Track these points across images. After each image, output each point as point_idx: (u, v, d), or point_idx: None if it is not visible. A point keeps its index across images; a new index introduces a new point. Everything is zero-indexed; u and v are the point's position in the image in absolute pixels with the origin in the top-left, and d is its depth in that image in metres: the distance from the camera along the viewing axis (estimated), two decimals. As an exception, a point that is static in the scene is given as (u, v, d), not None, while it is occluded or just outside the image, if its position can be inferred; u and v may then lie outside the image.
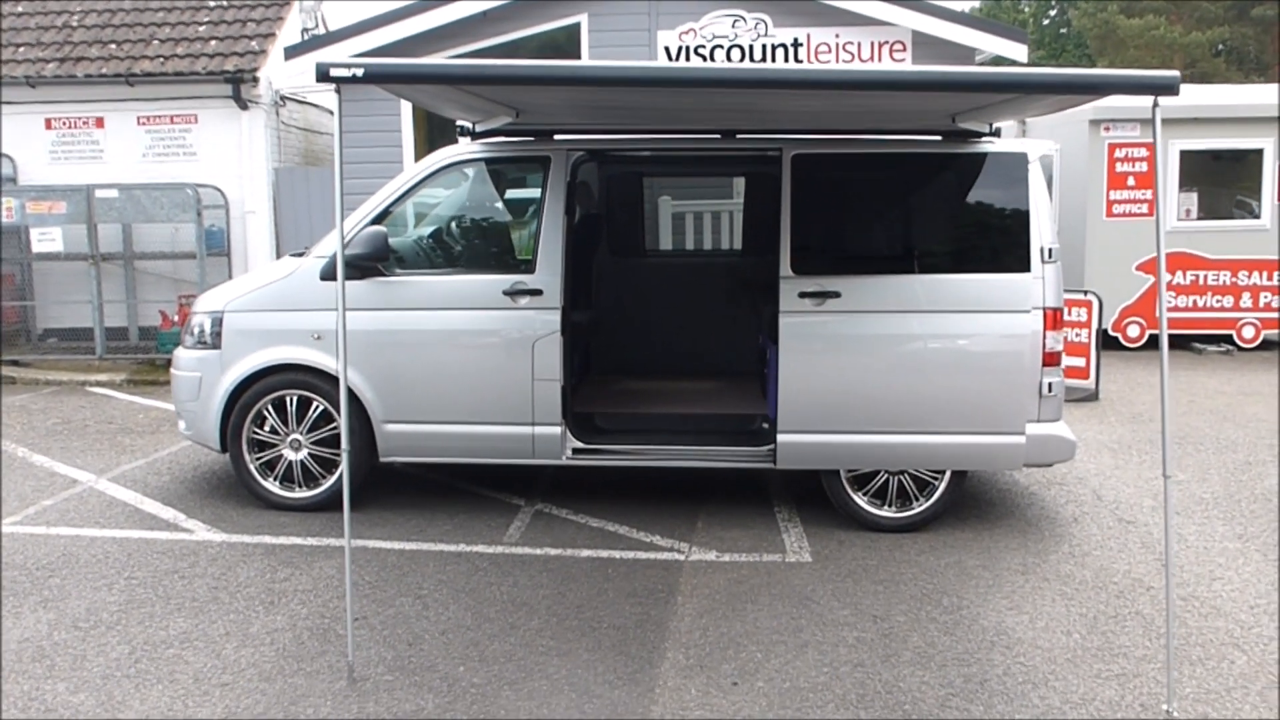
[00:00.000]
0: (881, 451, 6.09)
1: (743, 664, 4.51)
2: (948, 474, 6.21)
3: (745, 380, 7.65)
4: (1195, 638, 4.79)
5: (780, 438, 6.11)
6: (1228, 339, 12.83)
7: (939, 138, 6.18)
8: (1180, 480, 7.26)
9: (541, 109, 5.80)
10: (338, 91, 4.18)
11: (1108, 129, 12.66)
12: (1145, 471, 7.51)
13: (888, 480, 6.25)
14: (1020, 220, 5.99)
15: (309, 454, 6.53)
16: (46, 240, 11.71)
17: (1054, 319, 6.06)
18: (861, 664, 4.52)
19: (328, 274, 6.35)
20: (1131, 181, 12.74)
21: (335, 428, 6.45)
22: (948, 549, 5.93)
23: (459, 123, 6.41)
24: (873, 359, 6.00)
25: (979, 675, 4.41)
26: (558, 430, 6.28)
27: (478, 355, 6.26)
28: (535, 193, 6.34)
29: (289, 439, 6.52)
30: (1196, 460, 7.82)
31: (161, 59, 12.33)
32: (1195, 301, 12.81)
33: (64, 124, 12.54)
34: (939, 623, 4.93)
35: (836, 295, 5.98)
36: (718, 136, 6.43)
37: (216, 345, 6.53)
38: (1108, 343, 12.54)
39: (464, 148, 6.47)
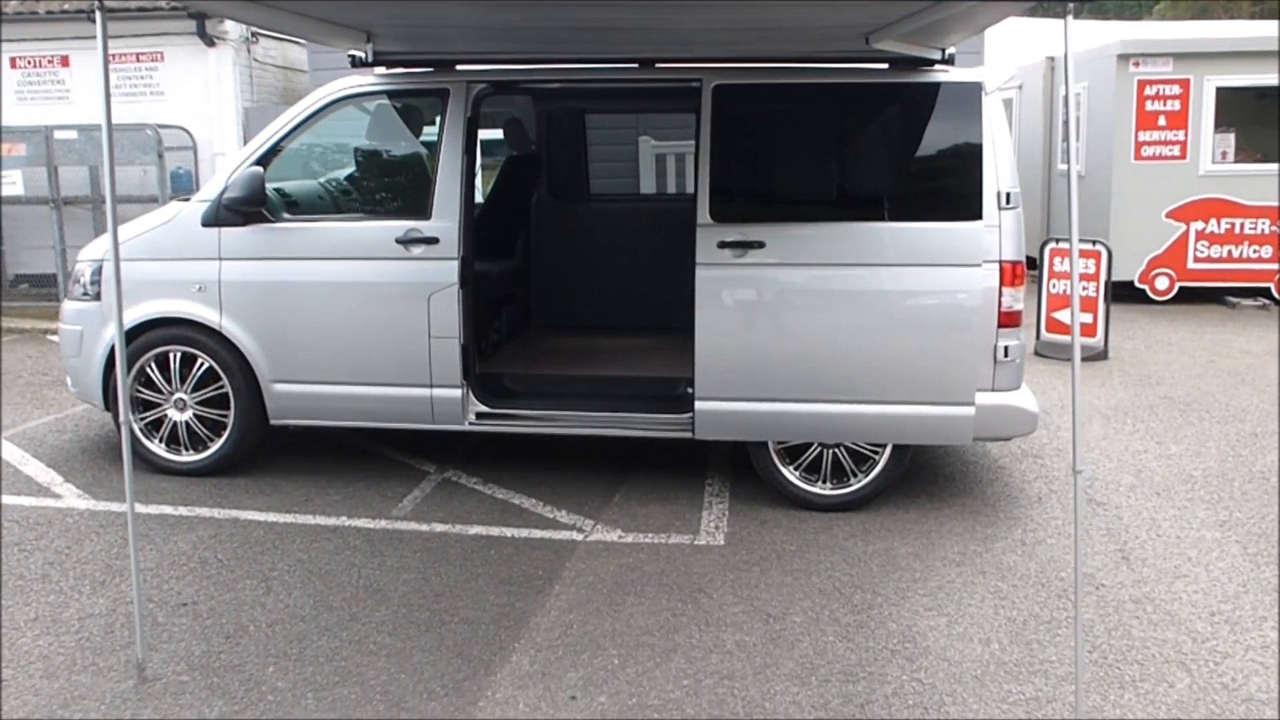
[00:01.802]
0: (811, 422, 5.41)
1: (593, 672, 3.91)
2: (888, 447, 5.52)
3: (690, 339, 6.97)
4: (1135, 652, 4.09)
5: (698, 405, 5.46)
6: (1265, 292, 11.84)
7: (884, 66, 5.41)
8: (1171, 454, 6.49)
9: (398, 31, 5.13)
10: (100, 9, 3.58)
11: (1137, 64, 11.64)
12: (1136, 443, 6.75)
13: (821, 453, 5.58)
14: (972, 160, 5.22)
15: (194, 415, 6.01)
16: (8, 184, 11.30)
17: (1012, 273, 5.30)
18: (731, 675, 3.89)
19: (210, 219, 5.79)
20: (1162, 122, 11.73)
21: (222, 387, 5.92)
22: (882, 533, 5.26)
23: (349, 52, 5.77)
24: (801, 318, 5.32)
25: (862, 695, 3.77)
26: (457, 393, 5.68)
27: (369, 310, 5.67)
28: (434, 131, 5.69)
29: (173, 398, 6.00)
30: (1196, 430, 7.02)
31: (128, -5, 11.77)
32: (1230, 251, 11.82)
33: (29, 63, 12.10)
34: (840, 625, 4.29)
35: (760, 245, 5.28)
36: (635, 67, 5.71)
37: (97, 296, 6.01)
38: (1134, 296, 11.66)
39: (355, 80, 5.83)
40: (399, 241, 5.60)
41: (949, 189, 5.30)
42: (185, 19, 11.60)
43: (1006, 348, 5.31)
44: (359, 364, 5.73)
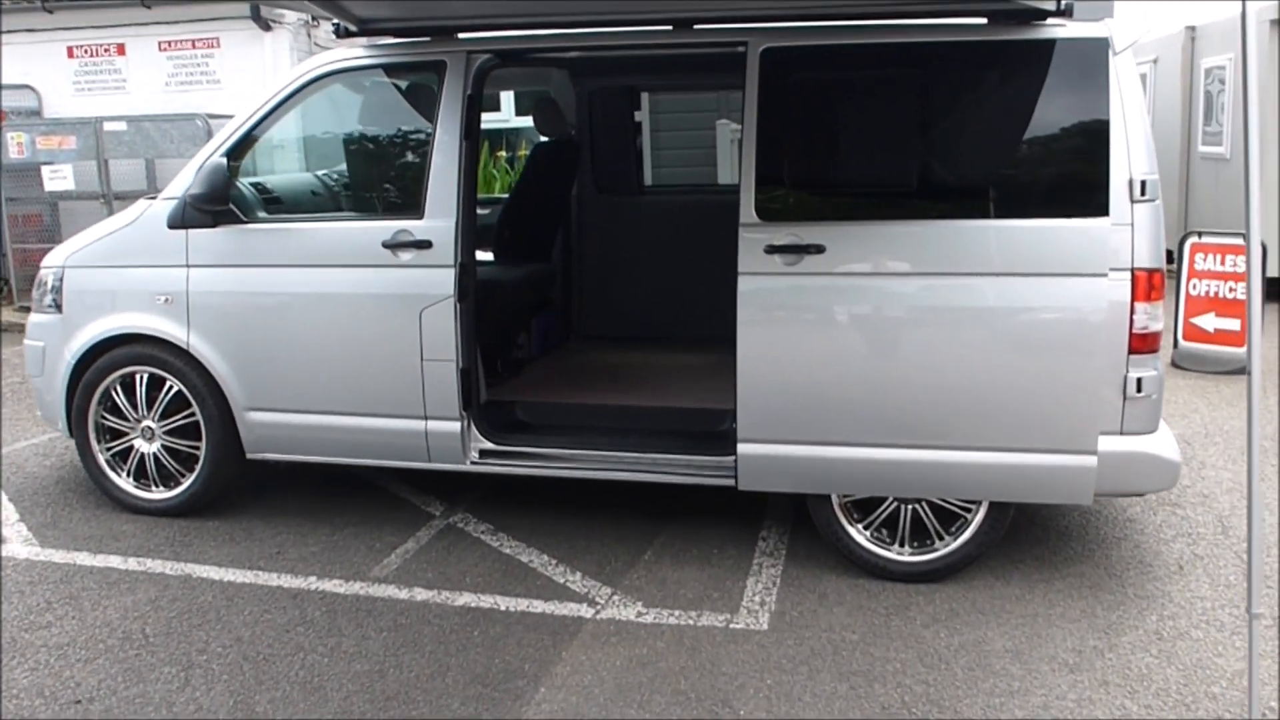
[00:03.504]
0: (884, 472, 4.29)
1: (557, 836, 2.91)
2: (984, 505, 4.37)
3: None
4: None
5: (742, 448, 4.40)
6: None
7: (983, 20, 4.25)
8: (1352, 508, 5.17)
9: None
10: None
11: (1296, 30, 10.07)
12: (1303, 489, 5.43)
13: (898, 510, 4.46)
14: (1097, 140, 4.03)
15: (163, 446, 5.19)
16: (58, 178, 10.81)
17: (1148, 284, 4.09)
18: None
19: (176, 220, 4.96)
20: (1325, 97, 10.13)
21: (193, 414, 5.08)
22: (971, 616, 4.12)
23: (333, 20, 4.86)
24: (872, 342, 4.21)
25: None
26: (456, 426, 4.74)
27: (352, 327, 4.76)
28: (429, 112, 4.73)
29: (141, 426, 5.19)
30: (1382, 474, 5.65)
31: (182, -23, 11.16)
32: None
33: (85, 52, 11.59)
34: (904, 766, 3.19)
35: (819, 250, 4.18)
36: (669, 29, 4.64)
37: (59, 308, 5.24)
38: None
39: (339, 54, 4.91)
40: (386, 246, 4.67)
41: (1066, 177, 4.12)
42: (239, 1, 10.92)
43: (1140, 380, 4.11)
44: (342, 391, 4.84)
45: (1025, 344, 4.08)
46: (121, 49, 11.52)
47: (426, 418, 4.76)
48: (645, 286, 6.46)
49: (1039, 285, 4.06)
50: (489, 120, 12.16)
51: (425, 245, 4.63)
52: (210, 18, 11.16)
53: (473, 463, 4.81)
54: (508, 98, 11.10)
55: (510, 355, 5.76)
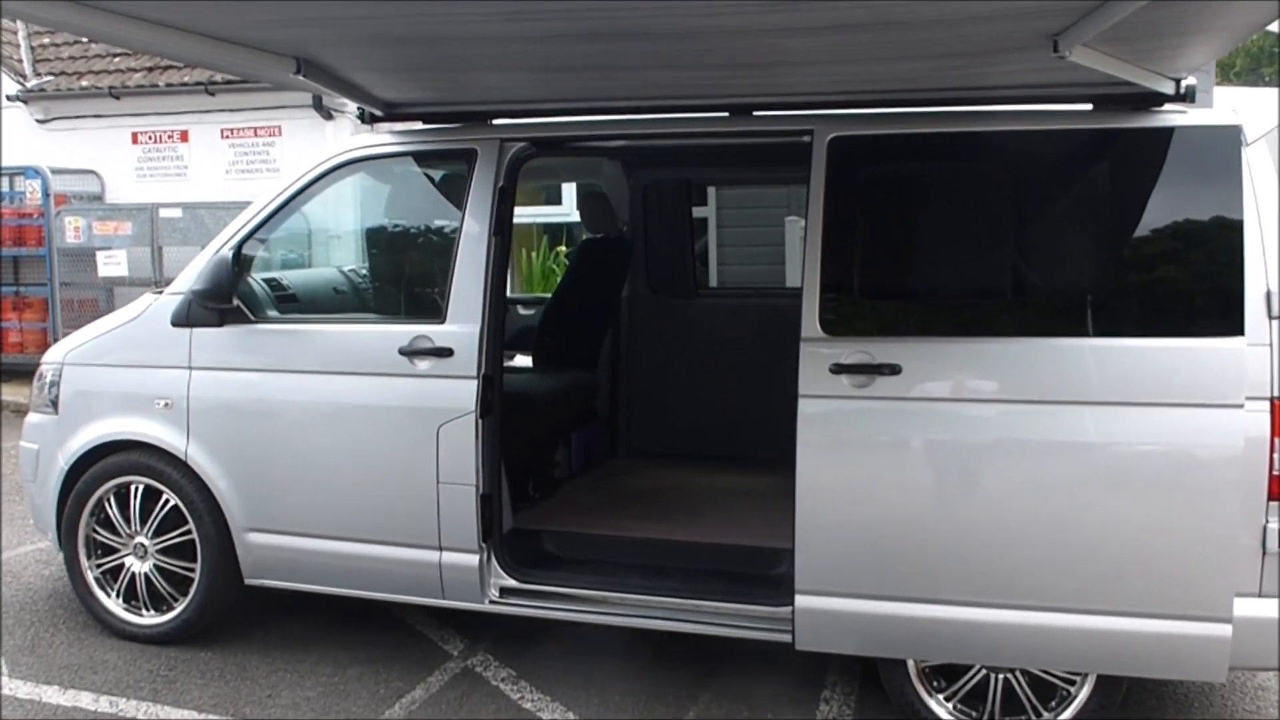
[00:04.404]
0: (971, 635, 3.60)
1: None
2: (1090, 677, 3.65)
3: None
4: None
5: (800, 601, 3.74)
6: None
7: (1088, 107, 3.66)
8: None
9: (351, 56, 3.72)
10: None
11: None
12: None
13: (988, 678, 3.75)
14: (1228, 244, 3.40)
15: (156, 565, 4.68)
16: (112, 264, 10.65)
17: (1293, 418, 3.41)
18: None
19: (180, 318, 4.52)
20: None
21: (189, 532, 4.58)
22: (1078, 821, 3.37)
23: (358, 105, 4.45)
24: (955, 480, 3.56)
25: None
26: (474, 560, 4.16)
27: (363, 442, 4.25)
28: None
29: (133, 543, 4.70)
30: None
31: (247, 65, 11.07)
32: None
33: (149, 138, 11.55)
34: None
35: (894, 371, 3.57)
36: (725, 116, 4.12)
37: (56, 408, 4.81)
38: None
39: (362, 141, 4.48)
40: (403, 353, 4.16)
41: (1191, 288, 3.48)
42: (298, 91, 10.80)
43: (1285, 533, 3.40)
44: (349, 514, 4.31)
45: (1140, 487, 3.40)
46: (185, 136, 11.45)
47: (441, 548, 4.19)
48: (700, 399, 5.86)
49: (1158, 417, 3.40)
50: (549, 214, 11.91)
51: (445, 353, 4.11)
52: (273, 105, 11.02)
53: (492, 601, 4.22)
54: (570, 190, 10.76)
55: (545, 474, 5.18)
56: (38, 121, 11.85)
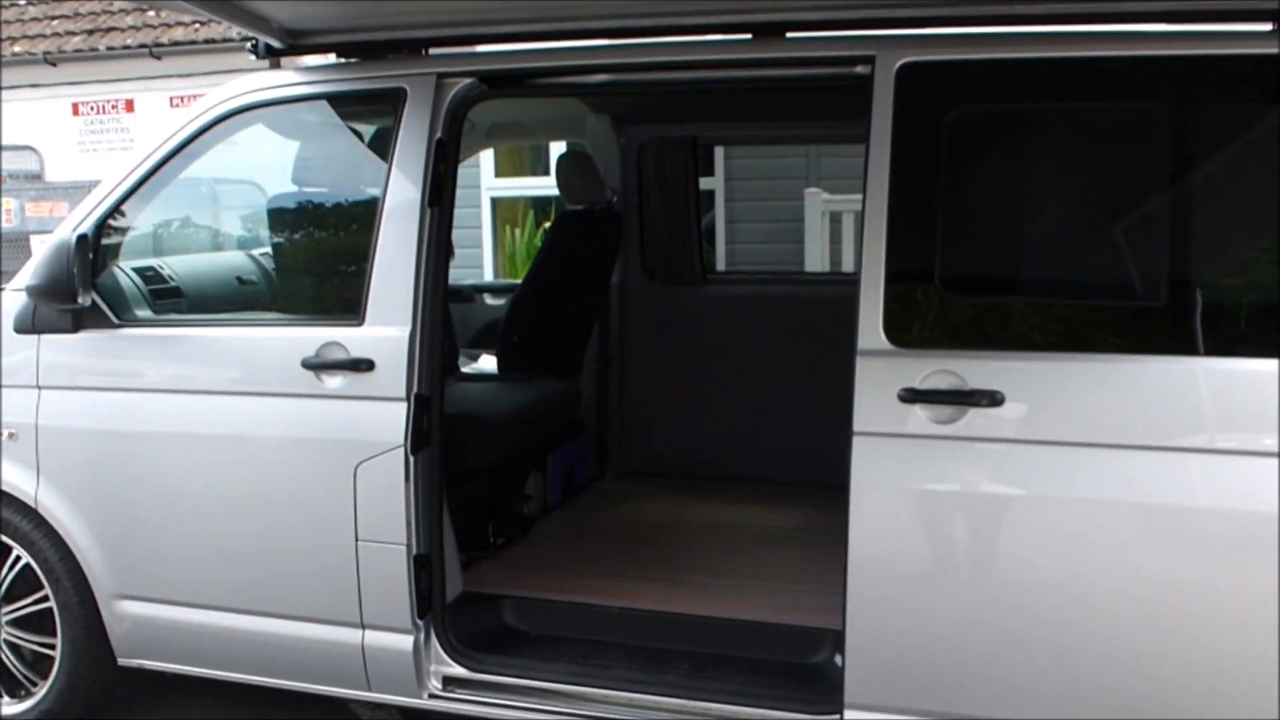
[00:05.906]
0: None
1: None
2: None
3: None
4: None
5: (851, 716, 2.67)
6: None
7: (1266, 27, 2.55)
8: None
9: None
10: None
11: None
12: None
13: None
14: None
15: (6, 640, 3.62)
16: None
17: None
18: None
19: (25, 322, 3.44)
20: None
21: (47, 598, 3.51)
22: None
23: (251, 37, 3.38)
24: (1083, 555, 2.48)
25: None
26: (406, 641, 3.10)
27: (260, 486, 3.19)
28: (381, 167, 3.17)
29: (-22, 613, 3.64)
30: None
31: (197, 25, 10.01)
32: None
33: (91, 109, 10.54)
34: None
35: (994, 400, 2.48)
36: (748, 39, 2.99)
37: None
38: None
39: (260, 81, 3.42)
40: (307, 366, 3.08)
41: None
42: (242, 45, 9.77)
43: None
44: (245, 580, 3.26)
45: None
46: (130, 105, 10.46)
47: (364, 626, 3.14)
48: (706, 407, 4.77)
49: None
50: (537, 186, 10.73)
51: (364, 366, 3.03)
52: (225, 70, 9.92)
53: (432, 695, 3.16)
54: (560, 152, 9.64)
55: (510, 512, 4.09)
56: (-34, 93, 10.85)
